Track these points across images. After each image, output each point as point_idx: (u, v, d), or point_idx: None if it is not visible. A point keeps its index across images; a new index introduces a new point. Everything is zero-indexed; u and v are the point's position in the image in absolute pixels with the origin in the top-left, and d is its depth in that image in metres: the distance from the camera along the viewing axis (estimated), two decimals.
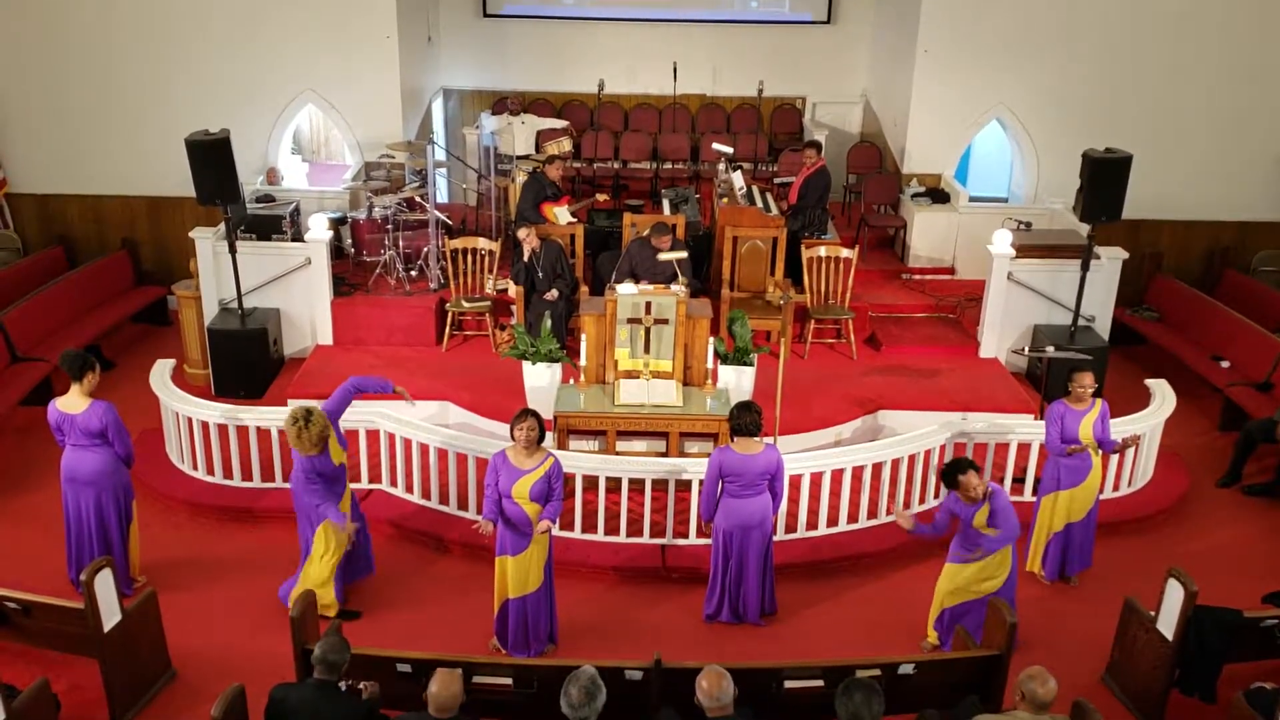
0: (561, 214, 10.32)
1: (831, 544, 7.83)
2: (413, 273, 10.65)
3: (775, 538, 7.08)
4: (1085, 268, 9.57)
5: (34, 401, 9.27)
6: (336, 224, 10.60)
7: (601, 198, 10.98)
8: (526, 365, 8.45)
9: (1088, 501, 7.37)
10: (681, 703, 5.23)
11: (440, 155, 11.16)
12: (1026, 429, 8.24)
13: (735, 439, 6.70)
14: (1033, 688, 4.85)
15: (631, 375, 8.21)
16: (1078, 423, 7.20)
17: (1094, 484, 7.36)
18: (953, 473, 6.41)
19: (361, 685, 5.23)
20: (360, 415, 7.88)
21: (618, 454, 8.00)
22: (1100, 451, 7.33)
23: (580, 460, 7.60)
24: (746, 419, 6.63)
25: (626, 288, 8.26)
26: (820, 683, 5.61)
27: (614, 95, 13.50)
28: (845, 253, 10.00)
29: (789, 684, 5.62)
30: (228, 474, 8.30)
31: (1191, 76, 11.59)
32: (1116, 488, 8.44)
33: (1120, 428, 7.92)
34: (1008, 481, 8.15)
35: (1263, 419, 8.96)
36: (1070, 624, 7.14)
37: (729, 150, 11.40)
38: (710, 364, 8.33)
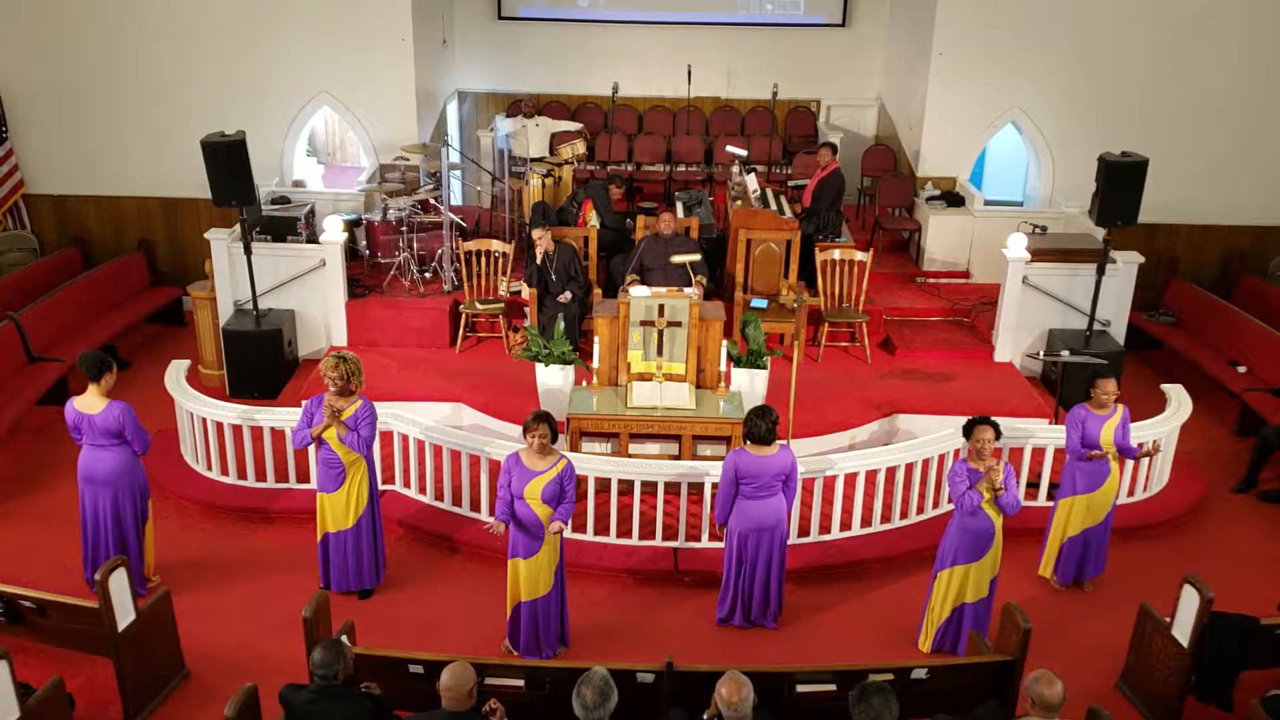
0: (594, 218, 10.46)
1: (844, 548, 7.81)
2: (427, 274, 10.67)
3: (788, 541, 7.06)
4: (1101, 272, 9.52)
5: (50, 401, 9.34)
6: (351, 226, 10.64)
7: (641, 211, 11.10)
8: (539, 367, 8.46)
9: (1105, 507, 7.33)
10: (693, 706, 5.22)
11: (454, 157, 11.18)
12: (1043, 433, 8.20)
13: (749, 442, 6.69)
14: (1039, 690, 4.84)
15: (644, 378, 8.21)
16: (1099, 428, 7.17)
17: (1111, 490, 7.33)
18: (972, 424, 6.53)
19: (364, 686, 5.24)
20: None
21: (630, 456, 8.00)
22: (1120, 457, 7.30)
23: (593, 463, 7.59)
24: (763, 426, 6.59)
25: (640, 290, 8.26)
26: (833, 687, 5.60)
27: (628, 98, 13.52)
28: (859, 256, 9.98)
29: (801, 688, 5.61)
30: (242, 474, 8.33)
31: (1208, 80, 11.53)
32: (1132, 493, 8.40)
33: (1136, 433, 7.87)
34: (1022, 486, 8.10)
35: (1279, 424, 8.90)
36: (1085, 629, 7.11)
37: (743, 153, 11.40)
38: (723, 367, 8.33)
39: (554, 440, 6.37)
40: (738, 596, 6.99)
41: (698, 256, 9.23)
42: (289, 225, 10.27)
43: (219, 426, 8.25)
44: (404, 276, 10.58)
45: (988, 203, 11.82)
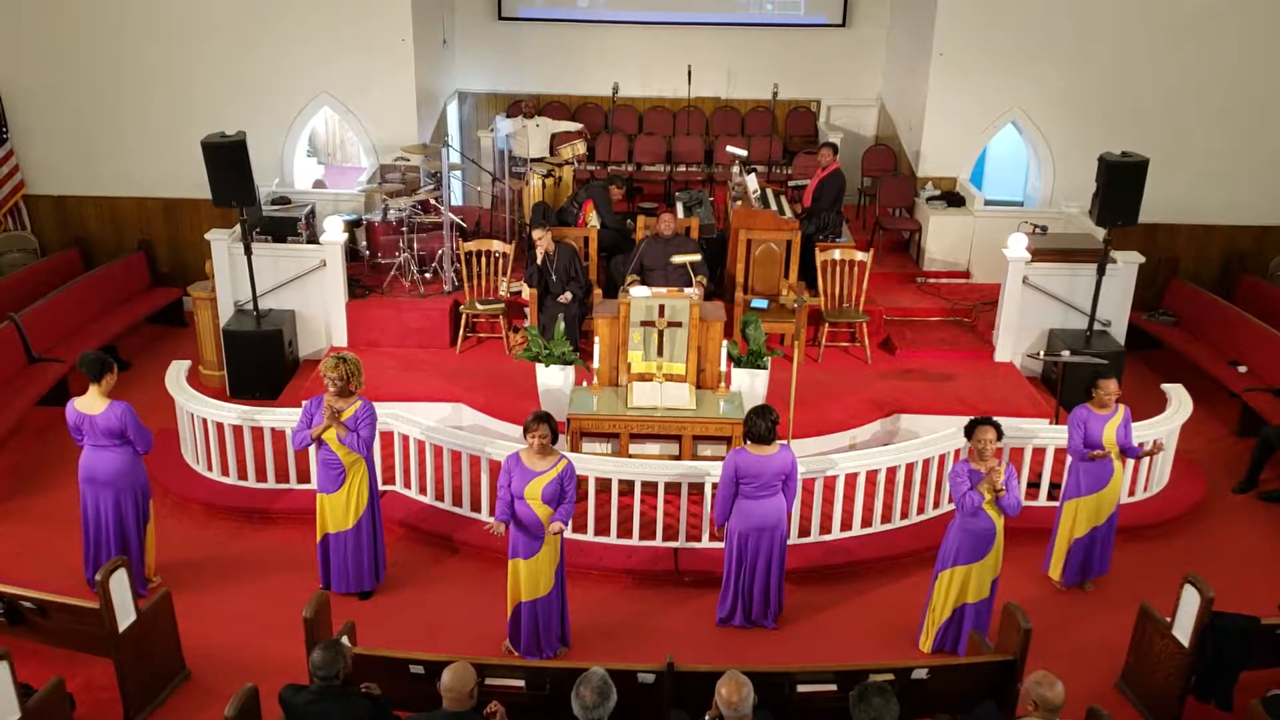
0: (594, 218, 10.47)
1: (844, 548, 7.81)
2: (427, 275, 10.68)
3: (787, 541, 7.06)
4: (1101, 272, 9.52)
5: (51, 402, 9.34)
6: (351, 226, 10.64)
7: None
8: (539, 367, 8.46)
9: (1110, 506, 7.33)
10: (694, 706, 5.22)
11: (455, 158, 11.18)
12: (1044, 434, 8.20)
13: (749, 442, 6.69)
14: (1041, 692, 4.84)
15: (644, 378, 8.20)
16: (1101, 428, 7.17)
17: (1115, 489, 7.33)
18: (973, 425, 6.52)
19: (364, 687, 5.25)
20: None
21: (630, 457, 8.00)
22: (1124, 456, 7.30)
23: (593, 463, 7.59)
24: (762, 425, 6.60)
25: (640, 290, 8.26)
26: (833, 687, 5.60)
27: (628, 98, 13.52)
28: (860, 256, 9.98)
29: (802, 688, 5.61)
30: (243, 475, 8.33)
31: (1208, 80, 11.53)
32: (1133, 493, 8.39)
33: (1137, 433, 7.86)
34: (1022, 486, 8.09)
35: (1279, 424, 8.90)
36: (1085, 629, 7.11)
37: (743, 153, 11.40)
38: (724, 367, 8.33)
39: (554, 440, 6.38)
40: (738, 596, 6.99)
41: (698, 257, 9.23)
42: (289, 225, 10.28)
43: (219, 427, 8.24)
44: (404, 277, 10.58)
45: (988, 203, 11.82)
